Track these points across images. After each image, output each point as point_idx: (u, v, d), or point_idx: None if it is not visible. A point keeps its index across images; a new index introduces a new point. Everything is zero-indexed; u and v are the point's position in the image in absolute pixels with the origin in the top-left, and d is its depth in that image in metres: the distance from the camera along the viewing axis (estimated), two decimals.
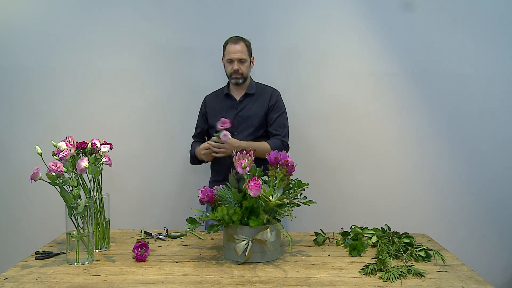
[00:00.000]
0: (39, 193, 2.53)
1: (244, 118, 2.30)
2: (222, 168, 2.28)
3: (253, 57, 2.35)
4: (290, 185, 1.66)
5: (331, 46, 2.63)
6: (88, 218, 1.56)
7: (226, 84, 2.42)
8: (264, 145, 2.23)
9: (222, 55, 2.34)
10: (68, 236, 1.54)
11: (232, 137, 2.17)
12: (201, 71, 2.66)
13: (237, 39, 2.27)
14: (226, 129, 2.09)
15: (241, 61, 2.26)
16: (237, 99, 2.34)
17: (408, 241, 1.68)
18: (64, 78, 2.62)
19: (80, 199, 1.55)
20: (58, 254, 1.64)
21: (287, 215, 1.57)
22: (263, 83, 2.43)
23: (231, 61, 2.26)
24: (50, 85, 2.62)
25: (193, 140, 2.46)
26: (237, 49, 2.24)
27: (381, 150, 2.68)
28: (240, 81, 2.29)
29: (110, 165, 1.72)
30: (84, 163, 1.56)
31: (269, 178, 1.63)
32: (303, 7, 2.61)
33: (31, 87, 2.62)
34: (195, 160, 2.40)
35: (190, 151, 2.42)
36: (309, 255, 1.66)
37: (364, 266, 1.51)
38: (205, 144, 2.20)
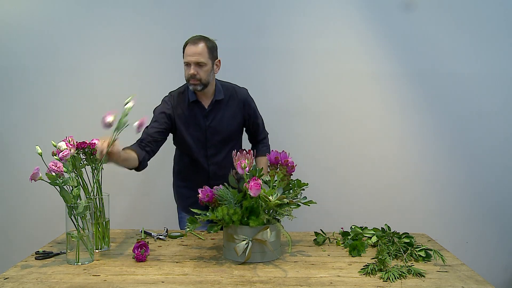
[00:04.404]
0: (39, 193, 2.52)
1: (217, 131, 2.09)
2: (199, 179, 2.09)
3: (219, 60, 2.05)
4: (290, 185, 1.66)
5: (331, 46, 2.62)
6: (88, 218, 1.56)
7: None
8: (265, 160, 2.14)
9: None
10: (68, 236, 1.54)
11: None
12: None
13: (197, 40, 1.96)
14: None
15: (199, 64, 1.95)
16: (206, 107, 2.08)
17: (408, 241, 1.68)
18: (64, 78, 2.61)
19: (80, 199, 1.55)
20: (58, 254, 1.64)
21: (287, 215, 1.57)
22: (228, 82, 2.17)
23: (188, 64, 1.97)
24: (50, 85, 2.62)
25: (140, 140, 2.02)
26: (194, 51, 1.94)
27: (381, 150, 2.68)
28: (199, 88, 1.98)
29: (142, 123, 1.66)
30: (109, 117, 1.55)
31: (269, 178, 1.63)
32: (303, 7, 2.60)
33: (31, 87, 2.62)
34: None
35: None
36: (309, 255, 1.66)
37: (364, 266, 1.51)
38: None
